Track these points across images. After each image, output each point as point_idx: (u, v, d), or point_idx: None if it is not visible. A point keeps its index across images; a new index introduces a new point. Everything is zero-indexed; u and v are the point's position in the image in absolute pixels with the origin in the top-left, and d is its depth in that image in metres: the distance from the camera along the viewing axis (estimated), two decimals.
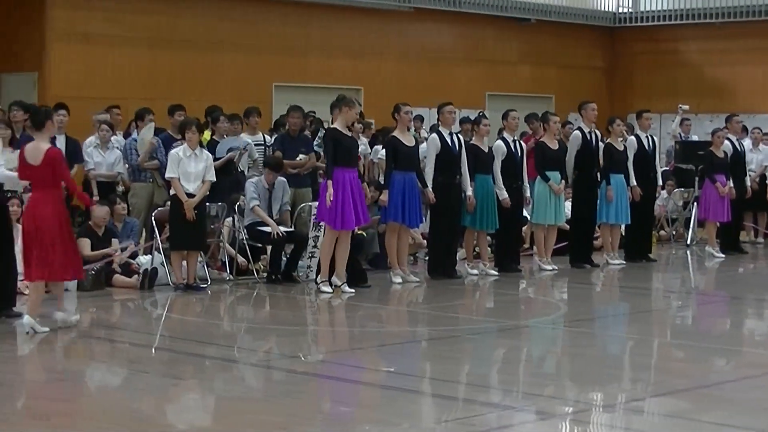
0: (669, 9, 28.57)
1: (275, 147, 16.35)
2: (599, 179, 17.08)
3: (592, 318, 13.57)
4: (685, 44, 28.66)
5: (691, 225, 20.17)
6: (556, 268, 16.56)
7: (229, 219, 15.16)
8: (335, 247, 13.95)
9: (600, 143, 17.19)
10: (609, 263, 17.31)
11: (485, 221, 15.78)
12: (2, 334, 11.51)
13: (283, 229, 14.72)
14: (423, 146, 16.07)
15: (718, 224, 19.01)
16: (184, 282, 14.09)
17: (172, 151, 14.27)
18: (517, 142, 16.39)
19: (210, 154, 14.64)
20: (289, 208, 15.35)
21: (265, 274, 15.01)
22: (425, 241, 16.46)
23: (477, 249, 16.25)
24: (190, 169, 13.96)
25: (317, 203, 14.34)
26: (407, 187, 14.82)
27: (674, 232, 20.99)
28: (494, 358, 10.90)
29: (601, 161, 17.10)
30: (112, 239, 14.57)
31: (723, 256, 18.67)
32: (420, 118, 20.92)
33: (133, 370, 9.85)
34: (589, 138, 16.94)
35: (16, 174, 11.85)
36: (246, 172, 15.98)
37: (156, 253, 14.57)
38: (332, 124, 14.82)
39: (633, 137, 17.78)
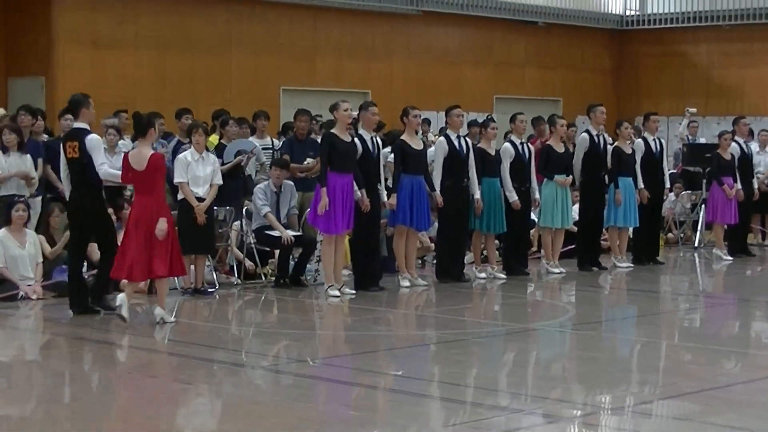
0: (676, 12, 28.55)
1: (283, 151, 16.36)
2: (607, 182, 17.07)
3: (600, 321, 13.56)
4: (692, 47, 28.63)
5: (699, 227, 20.15)
6: (564, 271, 16.54)
7: (237, 223, 15.17)
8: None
9: (608, 146, 17.19)
10: (617, 266, 17.30)
11: (493, 224, 15.77)
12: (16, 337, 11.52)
13: (291, 233, 14.72)
14: (431, 150, 16.06)
15: (725, 227, 19.00)
16: (192, 286, 14.09)
17: (180, 156, 14.28)
18: (524, 145, 16.38)
19: (216, 158, 14.65)
20: (297, 212, 15.36)
21: (273, 278, 15.02)
22: (433, 245, 16.45)
23: (485, 252, 16.25)
24: (199, 172, 13.97)
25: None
26: (415, 191, 14.82)
27: (682, 235, 20.97)
28: (502, 361, 10.90)
29: (609, 164, 17.10)
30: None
31: (731, 258, 18.66)
32: (427, 122, 20.92)
33: (141, 375, 9.85)
34: (596, 141, 16.93)
35: (119, 173, 12.22)
36: (254, 176, 15.99)
37: None
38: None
39: (640, 140, 17.77)
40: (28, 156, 14.65)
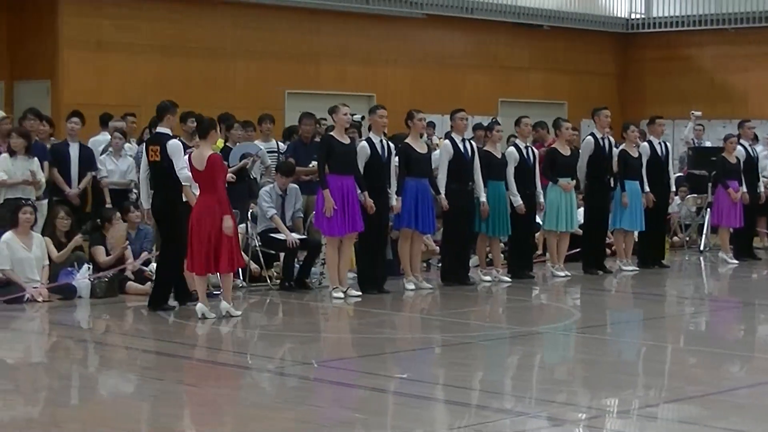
0: (682, 15, 28.52)
1: (288, 154, 16.37)
2: (612, 185, 17.07)
3: (605, 324, 13.56)
4: (697, 50, 28.61)
5: (704, 231, 20.14)
6: (569, 274, 16.54)
7: (242, 225, 15.17)
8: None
9: (613, 149, 17.19)
10: (622, 269, 17.29)
11: (498, 228, 15.78)
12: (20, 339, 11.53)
13: (296, 236, 14.73)
14: (436, 153, 16.08)
15: (731, 230, 18.99)
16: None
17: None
18: (529, 148, 16.37)
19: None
20: (302, 215, 15.38)
21: (278, 281, 15.03)
22: (438, 248, 16.45)
23: (490, 255, 16.25)
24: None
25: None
26: (420, 194, 14.84)
27: (687, 238, 20.96)
28: (507, 364, 10.90)
29: (614, 168, 17.10)
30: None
31: (736, 262, 18.64)
32: (432, 125, 20.92)
33: (146, 377, 9.86)
34: (601, 144, 16.93)
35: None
36: (259, 179, 15.99)
37: None
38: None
39: (646, 143, 17.77)
40: (35, 159, 14.67)
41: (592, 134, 17.14)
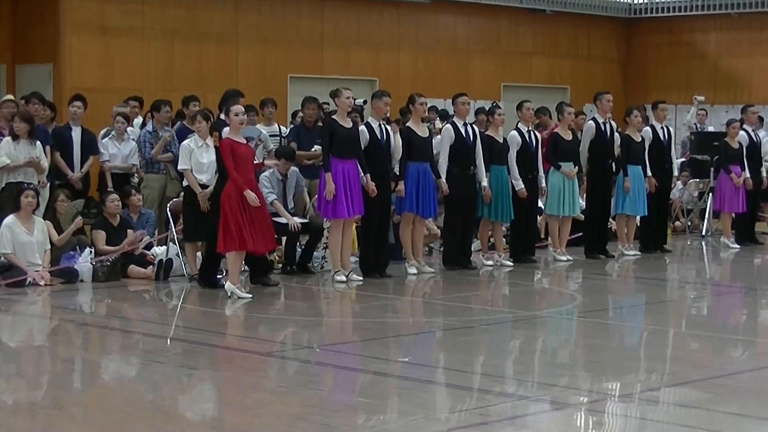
0: (685, 0, 28.46)
1: (290, 138, 16.37)
2: (614, 170, 17.07)
3: (607, 309, 13.57)
4: (701, 35, 28.55)
5: (707, 216, 20.14)
6: (571, 258, 16.55)
7: None
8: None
9: (615, 134, 17.17)
10: (624, 254, 17.30)
11: (500, 212, 15.78)
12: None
13: (298, 220, 14.72)
14: (437, 137, 16.07)
15: (733, 215, 19.00)
16: (198, 273, 14.11)
17: (184, 143, 14.30)
18: (531, 132, 16.37)
19: None
20: (308, 199, 15.34)
21: (280, 265, 15.03)
22: (440, 232, 16.45)
23: (492, 240, 16.25)
24: (203, 159, 13.96)
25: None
26: (421, 178, 14.83)
27: (689, 223, 20.96)
28: (509, 348, 10.90)
29: (617, 152, 17.10)
30: (128, 230, 14.59)
31: (738, 246, 18.65)
32: (434, 109, 20.92)
33: (147, 361, 9.88)
34: (603, 129, 16.91)
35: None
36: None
37: (171, 244, 14.61)
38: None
39: (648, 128, 17.75)
40: (38, 143, 14.67)
41: (594, 119, 17.13)
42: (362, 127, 14.53)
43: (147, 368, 9.65)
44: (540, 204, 16.86)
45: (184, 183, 14.17)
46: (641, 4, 29.28)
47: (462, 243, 15.60)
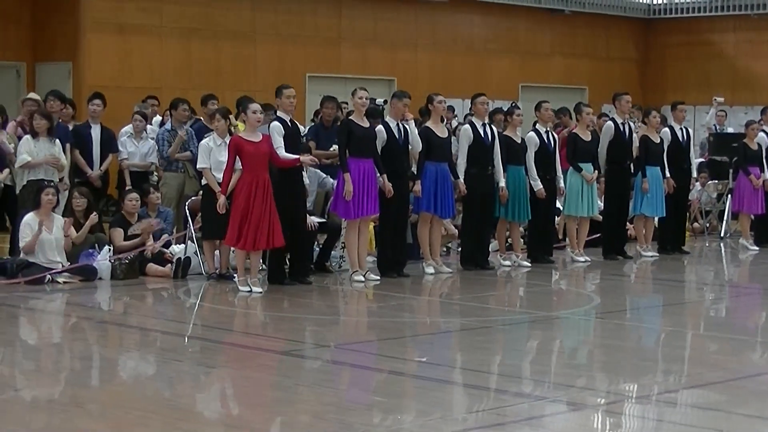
0: (703, 0, 28.40)
1: (309, 137, 16.38)
2: (632, 171, 17.04)
3: (624, 310, 13.54)
4: (719, 36, 28.50)
5: (725, 217, 20.09)
6: (589, 259, 16.53)
7: None
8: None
9: (634, 135, 17.14)
10: (642, 255, 17.26)
11: (518, 212, 15.77)
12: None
13: (315, 219, 14.72)
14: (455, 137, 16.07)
15: (752, 216, 18.95)
16: (216, 271, 14.14)
17: (203, 142, 14.32)
18: (549, 133, 16.36)
19: None
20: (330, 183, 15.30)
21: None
22: (457, 232, 16.44)
23: (509, 240, 16.24)
24: (221, 158, 13.95)
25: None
26: (439, 178, 14.83)
27: (708, 225, 20.91)
28: (526, 348, 10.89)
29: (635, 153, 17.07)
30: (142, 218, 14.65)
31: (757, 248, 18.60)
32: (451, 109, 20.92)
33: (165, 359, 9.89)
34: (621, 129, 16.89)
35: (292, 156, 13.50)
36: None
37: (189, 242, 14.64)
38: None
39: (667, 129, 17.71)
40: (57, 141, 14.70)
41: (612, 119, 17.10)
42: (380, 127, 14.52)
43: (165, 366, 9.66)
44: (558, 204, 16.84)
45: (203, 181, 14.19)
46: (660, 4, 29.24)
47: (480, 243, 15.60)
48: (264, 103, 16.72)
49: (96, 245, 14.25)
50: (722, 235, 20.04)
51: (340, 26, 24.12)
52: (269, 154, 13.35)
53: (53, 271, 13.64)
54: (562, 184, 16.35)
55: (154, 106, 18.02)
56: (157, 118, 17.68)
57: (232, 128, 14.56)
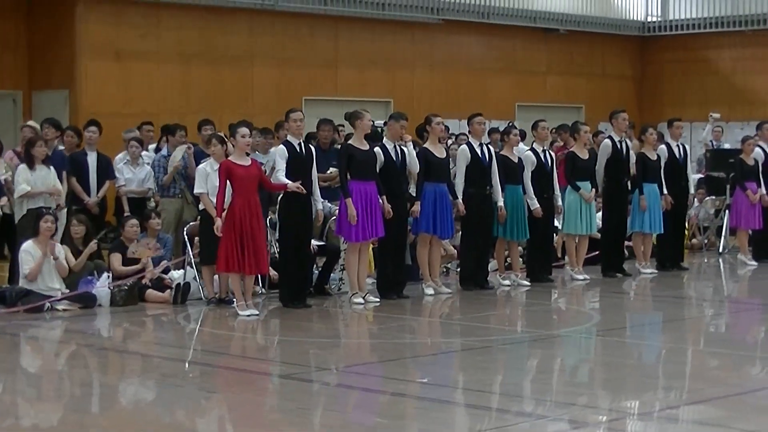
0: (698, 17, 28.47)
1: None
2: (630, 188, 17.05)
3: (624, 327, 13.54)
4: (715, 52, 28.55)
5: (723, 233, 20.10)
6: (588, 277, 16.53)
7: None
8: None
9: (631, 152, 17.17)
10: (641, 272, 17.26)
11: (516, 231, 15.78)
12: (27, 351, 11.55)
13: (315, 242, 14.73)
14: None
15: (749, 232, 18.95)
16: (216, 296, 14.14)
17: (200, 167, 14.35)
18: (546, 152, 16.38)
19: None
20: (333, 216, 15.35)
21: None
22: (456, 252, 16.45)
23: (509, 259, 16.24)
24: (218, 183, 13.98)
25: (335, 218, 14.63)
26: (438, 199, 14.84)
27: (706, 241, 20.92)
28: (527, 367, 10.89)
29: (632, 170, 17.08)
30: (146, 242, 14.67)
31: (755, 263, 18.59)
32: (446, 129, 20.93)
33: (166, 384, 9.89)
34: (619, 147, 16.91)
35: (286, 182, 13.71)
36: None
37: (188, 267, 14.64)
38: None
39: (664, 146, 17.74)
40: (52, 168, 14.72)
41: (610, 137, 17.12)
42: (377, 149, 14.55)
43: (165, 391, 9.66)
44: (556, 223, 16.86)
45: (201, 206, 14.21)
46: (655, 22, 29.30)
47: (479, 263, 15.60)
48: (262, 128, 16.83)
49: (95, 272, 14.25)
50: (720, 250, 20.04)
51: (337, 48, 24.16)
52: (259, 177, 13.40)
53: (52, 298, 13.66)
54: (560, 203, 16.37)
55: (149, 132, 18.03)
56: (154, 144, 17.69)
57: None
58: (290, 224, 13.72)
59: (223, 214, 13.16)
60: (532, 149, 16.32)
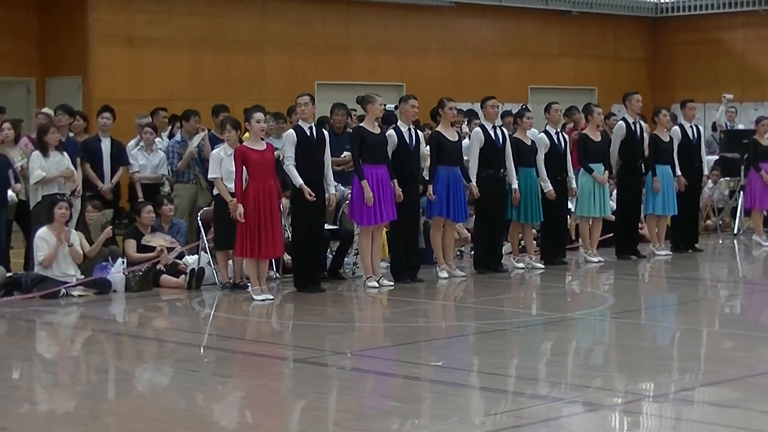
0: None
1: None
2: (644, 170, 17.02)
3: (639, 309, 13.53)
4: (727, 33, 28.44)
5: (738, 214, 20.06)
6: (602, 260, 16.51)
7: None
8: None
9: (645, 134, 17.13)
10: (655, 254, 17.25)
11: (530, 214, 15.77)
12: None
13: (328, 227, 14.74)
14: (465, 141, 16.07)
15: (764, 213, 18.91)
16: (230, 281, 14.17)
17: (213, 152, 14.35)
18: (560, 134, 16.36)
19: None
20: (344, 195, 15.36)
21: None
22: (470, 236, 16.45)
23: (522, 242, 16.23)
24: (233, 168, 13.99)
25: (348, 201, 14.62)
26: (452, 182, 14.84)
27: (720, 222, 20.88)
28: (542, 350, 10.89)
29: (646, 152, 17.05)
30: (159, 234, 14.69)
31: None
32: (462, 113, 20.92)
33: (181, 369, 9.91)
34: (633, 129, 16.88)
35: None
36: None
37: (202, 253, 14.67)
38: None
39: (677, 127, 17.70)
40: (66, 154, 14.75)
41: (624, 119, 17.09)
42: (390, 131, 14.55)
43: (181, 377, 9.68)
44: (570, 205, 16.84)
45: (215, 192, 14.22)
46: (667, 2, 29.18)
47: (493, 246, 15.60)
48: (275, 112, 16.83)
49: (110, 258, 14.29)
50: (735, 232, 20.02)
51: (348, 33, 24.15)
52: (274, 162, 13.43)
53: (68, 284, 13.69)
54: (574, 185, 16.35)
55: (164, 118, 18.03)
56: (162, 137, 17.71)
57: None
58: (303, 209, 13.74)
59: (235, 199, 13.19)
60: (546, 132, 16.30)
